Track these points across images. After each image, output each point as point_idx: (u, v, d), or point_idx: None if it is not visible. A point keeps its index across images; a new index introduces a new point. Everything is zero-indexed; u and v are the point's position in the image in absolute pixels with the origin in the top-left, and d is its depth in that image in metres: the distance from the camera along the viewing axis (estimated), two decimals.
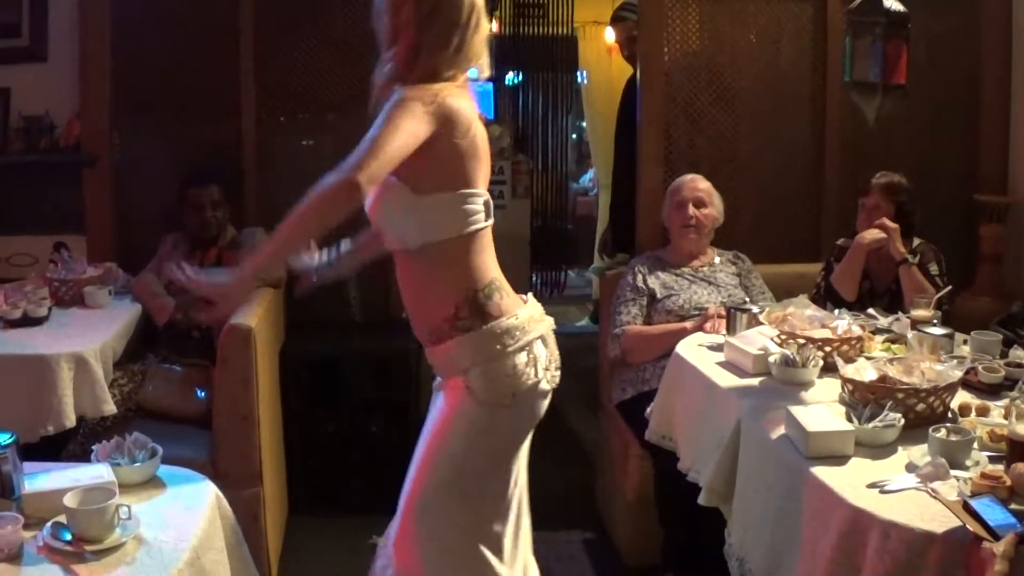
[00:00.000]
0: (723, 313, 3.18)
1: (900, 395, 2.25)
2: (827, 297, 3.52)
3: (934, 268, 3.43)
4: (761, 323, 2.92)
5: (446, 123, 2.07)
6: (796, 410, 2.22)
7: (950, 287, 3.30)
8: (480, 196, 2.17)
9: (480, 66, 2.22)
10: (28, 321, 3.18)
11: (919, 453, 2.07)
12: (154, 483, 2.14)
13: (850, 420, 2.20)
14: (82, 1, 3.93)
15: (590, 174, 9.43)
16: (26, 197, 4.00)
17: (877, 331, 3.01)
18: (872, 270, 3.48)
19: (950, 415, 2.31)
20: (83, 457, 2.35)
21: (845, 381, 2.40)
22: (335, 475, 3.93)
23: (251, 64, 4.01)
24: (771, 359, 2.65)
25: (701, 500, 2.56)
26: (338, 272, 2.40)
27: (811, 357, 2.60)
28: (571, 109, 8.42)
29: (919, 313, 2.97)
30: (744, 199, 4.13)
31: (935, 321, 2.91)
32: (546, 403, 2.24)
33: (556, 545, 3.67)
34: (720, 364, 2.83)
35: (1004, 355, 2.69)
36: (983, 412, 2.32)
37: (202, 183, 3.71)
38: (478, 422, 2.15)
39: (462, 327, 2.13)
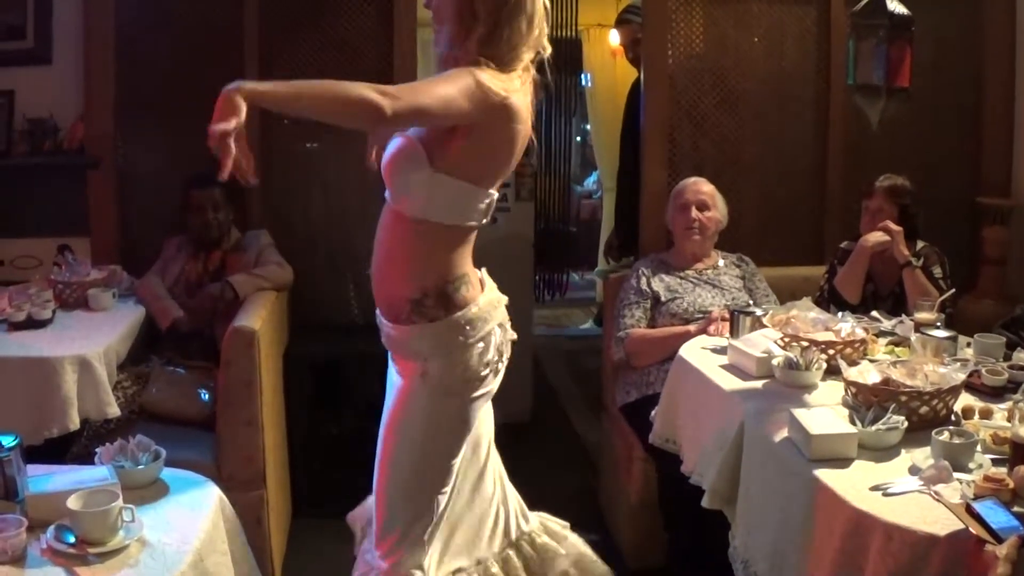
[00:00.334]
0: (727, 316, 3.18)
1: (903, 398, 2.25)
2: (831, 300, 3.52)
3: (937, 271, 3.43)
4: (764, 326, 2.92)
5: (499, 121, 2.07)
6: (799, 413, 2.22)
7: (953, 290, 3.30)
8: (490, 196, 2.18)
9: (540, 57, 2.20)
10: (32, 323, 3.18)
11: (922, 456, 2.07)
12: (158, 486, 2.14)
13: (853, 423, 2.20)
14: (86, 4, 3.93)
15: (594, 176, 9.43)
16: (30, 199, 4.00)
17: (880, 334, 3.01)
18: (876, 273, 3.48)
19: (953, 418, 2.31)
20: (87, 460, 2.35)
21: (848, 384, 2.40)
22: (339, 477, 3.92)
23: (255, 66, 4.01)
24: (774, 362, 2.65)
25: (705, 503, 2.56)
26: None
27: (814, 360, 2.60)
28: (575, 112, 8.42)
29: (922, 316, 2.97)
30: (748, 202, 4.14)
31: (938, 324, 2.91)
32: (498, 380, 2.25)
33: None
34: (724, 367, 2.83)
35: (1007, 358, 2.69)
36: (986, 415, 2.31)
37: (204, 185, 3.71)
38: (432, 407, 2.17)
39: (426, 315, 2.14)
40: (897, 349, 2.86)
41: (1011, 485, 1.84)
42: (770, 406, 2.45)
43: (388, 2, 4.05)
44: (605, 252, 5.44)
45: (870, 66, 3.15)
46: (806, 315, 2.90)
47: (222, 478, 2.97)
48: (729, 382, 2.70)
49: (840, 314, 3.05)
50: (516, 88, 2.11)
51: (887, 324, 3.10)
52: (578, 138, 9.89)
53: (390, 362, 2.33)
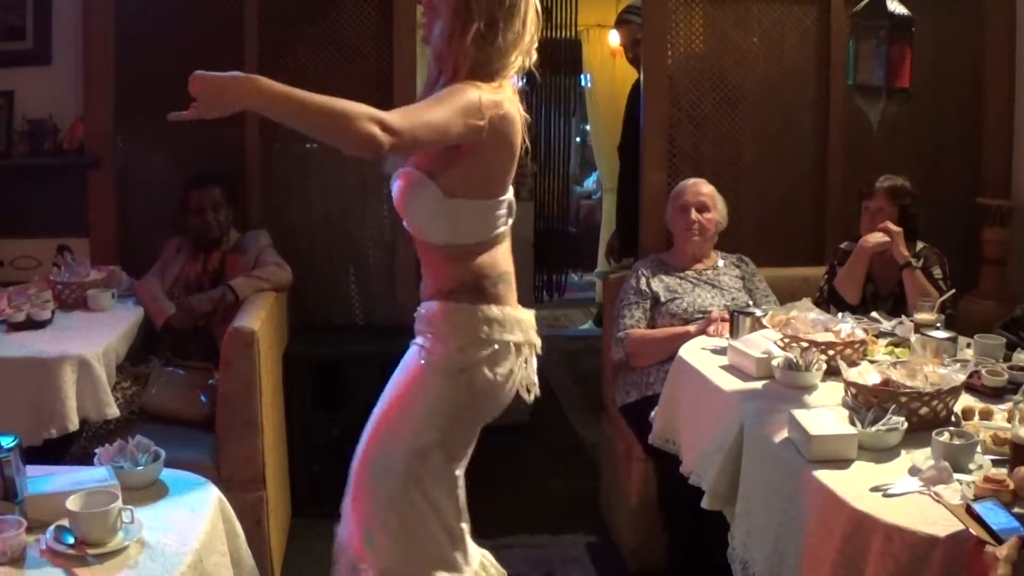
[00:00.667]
0: (726, 316, 3.18)
1: (903, 399, 2.25)
2: (830, 300, 3.52)
3: (937, 272, 3.43)
4: (764, 326, 2.92)
5: (499, 136, 2.07)
6: (799, 414, 2.22)
7: (953, 290, 3.30)
8: (506, 200, 2.18)
9: (525, 65, 2.19)
10: (32, 324, 3.18)
11: (922, 457, 2.07)
12: (157, 486, 2.14)
13: (853, 424, 2.20)
14: (86, 4, 3.93)
15: (594, 177, 9.43)
16: (30, 200, 4.00)
17: (880, 334, 3.01)
18: (875, 273, 3.48)
19: (953, 419, 2.31)
20: (86, 460, 2.34)
21: (848, 385, 2.40)
22: (339, 478, 3.92)
23: (254, 66, 4.00)
24: (774, 362, 2.65)
25: (704, 504, 2.56)
26: None
27: (814, 361, 2.60)
28: (575, 112, 8.42)
29: (922, 316, 2.97)
30: (748, 202, 4.14)
31: (938, 324, 2.91)
32: (503, 402, 2.21)
33: (559, 549, 3.66)
34: (723, 367, 2.83)
35: (1007, 358, 2.69)
36: (986, 416, 2.31)
37: (203, 185, 3.72)
38: (437, 389, 2.14)
39: (455, 299, 2.14)
40: (897, 350, 2.85)
41: (1011, 486, 1.84)
42: (770, 407, 2.45)
43: (388, 2, 4.05)
44: (606, 253, 5.45)
45: (870, 66, 3.15)
46: (806, 316, 2.90)
47: (221, 479, 2.98)
48: (729, 383, 2.70)
49: (840, 315, 3.05)
50: (509, 96, 2.11)
51: (887, 325, 3.09)
52: (577, 138, 9.89)
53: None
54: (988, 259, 4.07)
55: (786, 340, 2.76)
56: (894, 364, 2.46)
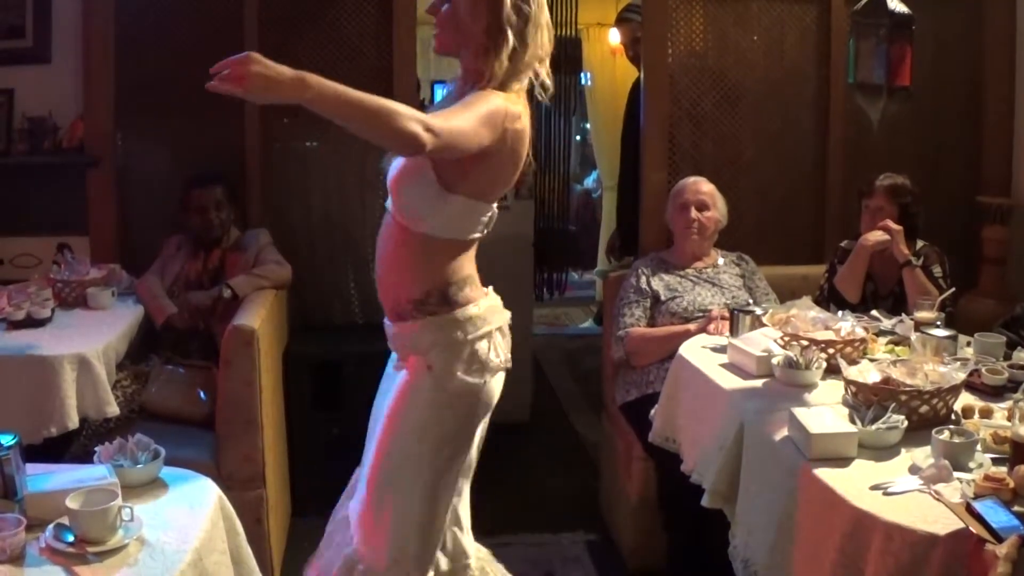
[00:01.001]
0: (726, 315, 3.18)
1: (903, 397, 2.25)
2: (830, 299, 3.52)
3: (937, 270, 3.43)
4: (764, 325, 2.92)
5: (513, 145, 2.11)
6: (799, 412, 2.22)
7: (953, 289, 3.30)
8: (493, 208, 2.21)
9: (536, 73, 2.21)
10: (32, 322, 3.18)
11: (922, 455, 2.07)
12: (157, 485, 2.13)
13: (853, 422, 2.20)
14: (86, 4, 3.93)
15: (594, 175, 9.42)
16: (30, 198, 4.00)
17: (880, 333, 3.01)
18: (876, 272, 3.47)
19: (953, 417, 2.31)
20: (86, 459, 2.35)
21: (848, 383, 2.40)
22: (339, 477, 3.92)
23: None
24: (774, 361, 2.65)
25: (704, 502, 2.56)
26: None
27: (814, 359, 2.60)
28: (575, 111, 8.41)
29: (922, 315, 2.97)
30: (748, 201, 4.14)
31: (938, 323, 2.91)
32: (499, 389, 2.26)
33: (559, 547, 3.67)
34: (723, 366, 2.83)
35: (1007, 357, 2.69)
36: (986, 414, 2.31)
37: (206, 184, 3.72)
38: (436, 400, 2.16)
39: (427, 311, 2.17)
40: (897, 348, 2.85)
41: (1011, 484, 1.84)
42: (770, 405, 2.45)
43: (388, 0, 4.05)
44: (607, 252, 5.44)
45: (870, 65, 3.15)
46: (806, 314, 2.90)
47: (221, 477, 2.98)
48: (729, 381, 2.70)
49: (840, 313, 3.05)
50: (523, 109, 2.15)
51: (887, 323, 3.09)
52: (578, 137, 9.87)
53: (388, 367, 2.34)
54: (988, 258, 4.07)
55: (786, 338, 2.76)
56: (894, 362, 2.46)
